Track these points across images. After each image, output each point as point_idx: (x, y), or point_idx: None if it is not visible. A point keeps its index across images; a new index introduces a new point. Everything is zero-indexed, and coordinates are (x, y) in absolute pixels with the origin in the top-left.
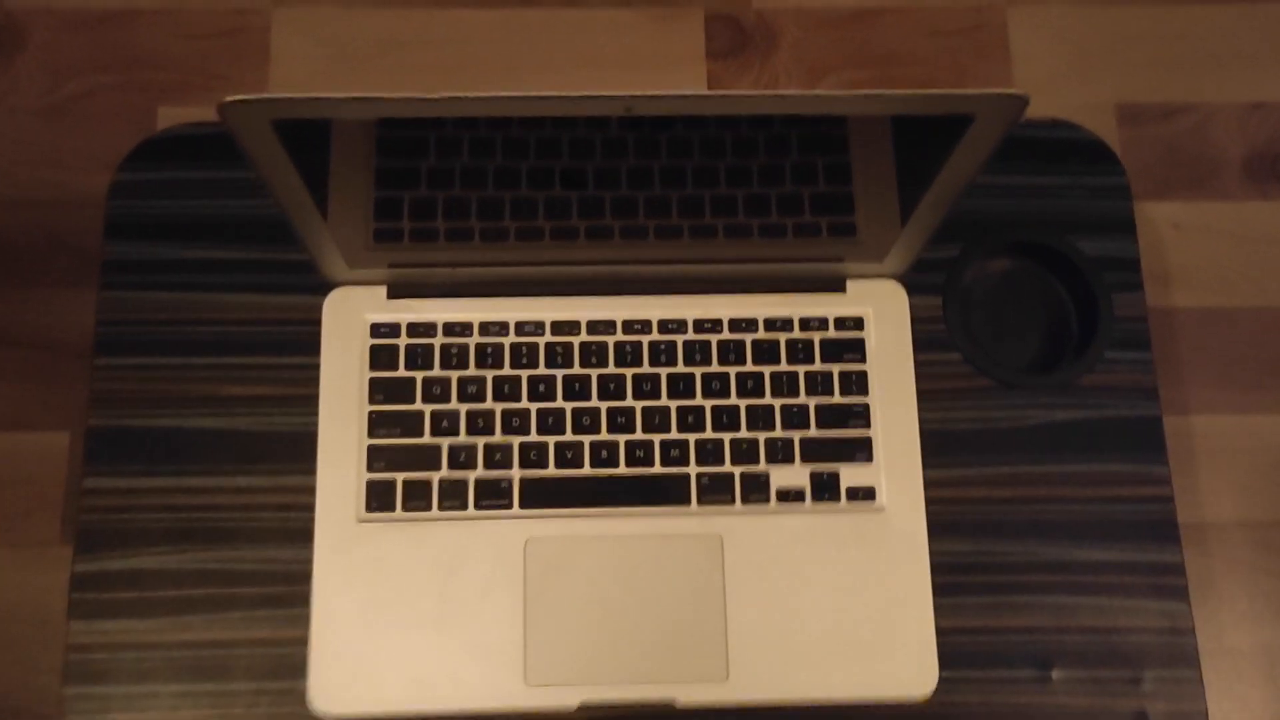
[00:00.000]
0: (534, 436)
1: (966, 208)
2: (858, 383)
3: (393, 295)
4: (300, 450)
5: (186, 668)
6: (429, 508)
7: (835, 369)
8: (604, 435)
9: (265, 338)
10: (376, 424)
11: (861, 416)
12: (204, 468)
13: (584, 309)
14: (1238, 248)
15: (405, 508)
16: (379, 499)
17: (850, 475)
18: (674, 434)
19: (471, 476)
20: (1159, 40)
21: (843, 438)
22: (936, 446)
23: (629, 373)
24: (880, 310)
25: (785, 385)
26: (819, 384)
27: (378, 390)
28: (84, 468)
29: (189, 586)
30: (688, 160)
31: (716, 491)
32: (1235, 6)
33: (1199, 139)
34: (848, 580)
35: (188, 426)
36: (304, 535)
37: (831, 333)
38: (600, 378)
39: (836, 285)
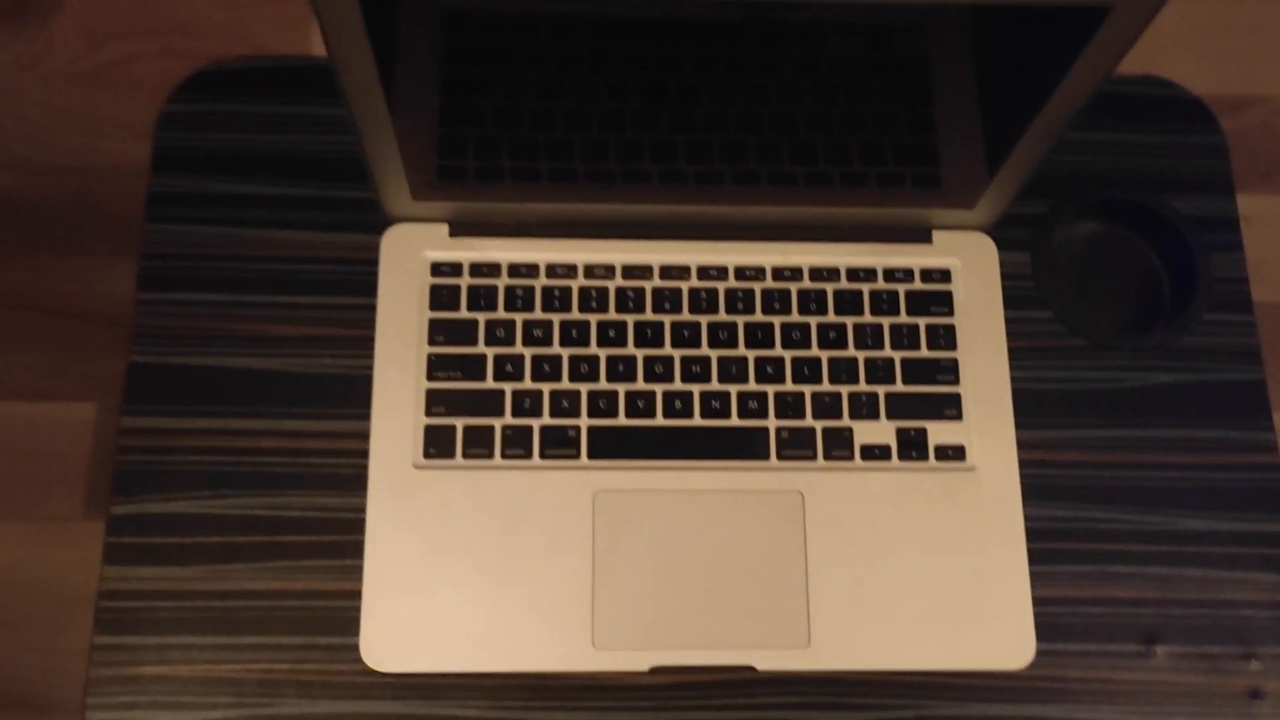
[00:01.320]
0: (603, 384)
1: (1053, 163)
2: (945, 337)
3: (455, 234)
4: (353, 394)
5: (229, 619)
6: (491, 455)
7: (922, 322)
8: (678, 385)
9: (318, 276)
10: (436, 366)
11: (950, 372)
12: (250, 410)
13: (657, 253)
14: None
15: (466, 455)
16: (438, 445)
17: (938, 433)
18: (752, 385)
19: (536, 424)
20: (1228, 32)
21: (930, 393)
22: (1028, 407)
23: (704, 320)
24: (969, 262)
25: (869, 337)
26: (905, 337)
27: (438, 331)
28: (123, 406)
29: (233, 533)
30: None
31: (797, 446)
32: None
33: (1269, 133)
34: (937, 543)
35: (234, 366)
36: (356, 482)
37: (918, 284)
38: (674, 324)
39: (923, 236)
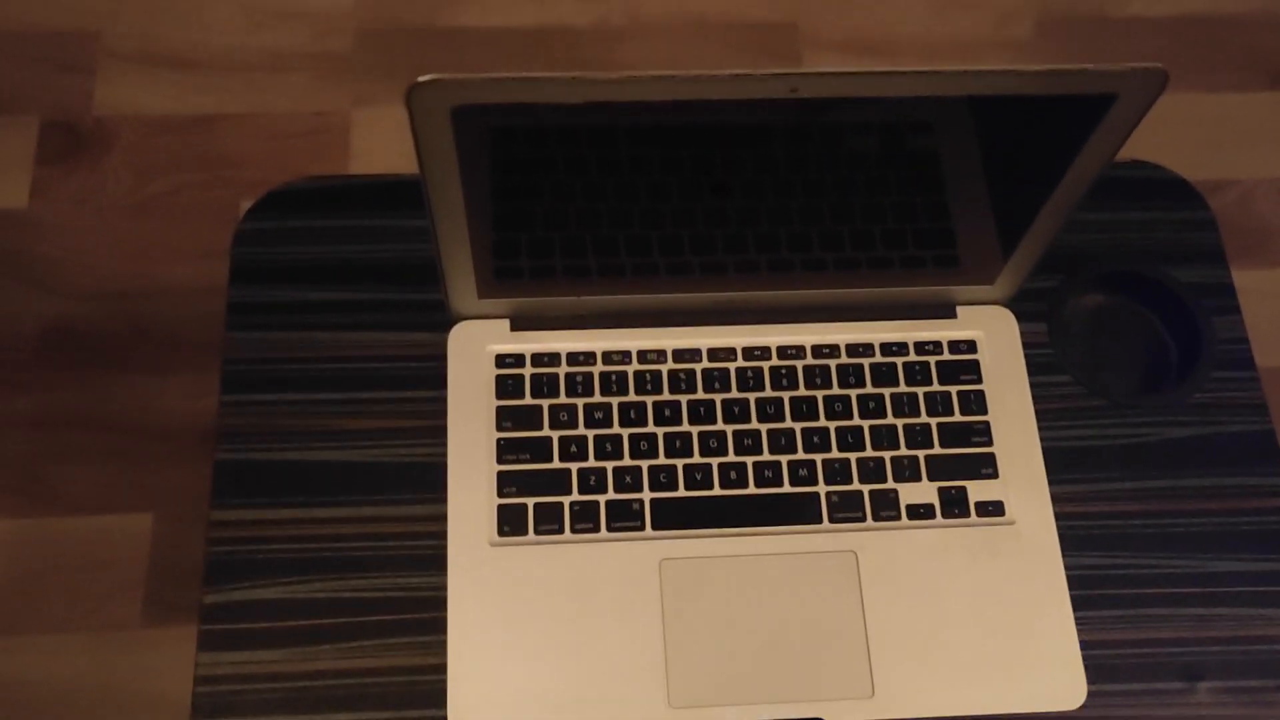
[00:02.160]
0: (662, 459)
1: (1061, 240)
2: (976, 402)
3: (516, 328)
4: (427, 480)
5: (321, 698)
6: (561, 530)
7: (953, 389)
8: (731, 457)
9: (388, 372)
10: (505, 450)
11: (983, 434)
12: (331, 499)
13: (704, 337)
14: None
15: (537, 531)
16: (511, 523)
17: (977, 491)
18: (800, 454)
19: (602, 499)
20: (1199, 123)
21: (967, 454)
22: (1057, 464)
23: (751, 397)
24: (991, 334)
25: (906, 406)
26: (939, 404)
27: (505, 418)
28: (210, 501)
29: (319, 616)
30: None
31: (847, 509)
32: (1264, 94)
33: (1245, 212)
34: (985, 592)
35: (312, 459)
36: (435, 561)
37: (946, 355)
38: (724, 402)
39: (948, 312)
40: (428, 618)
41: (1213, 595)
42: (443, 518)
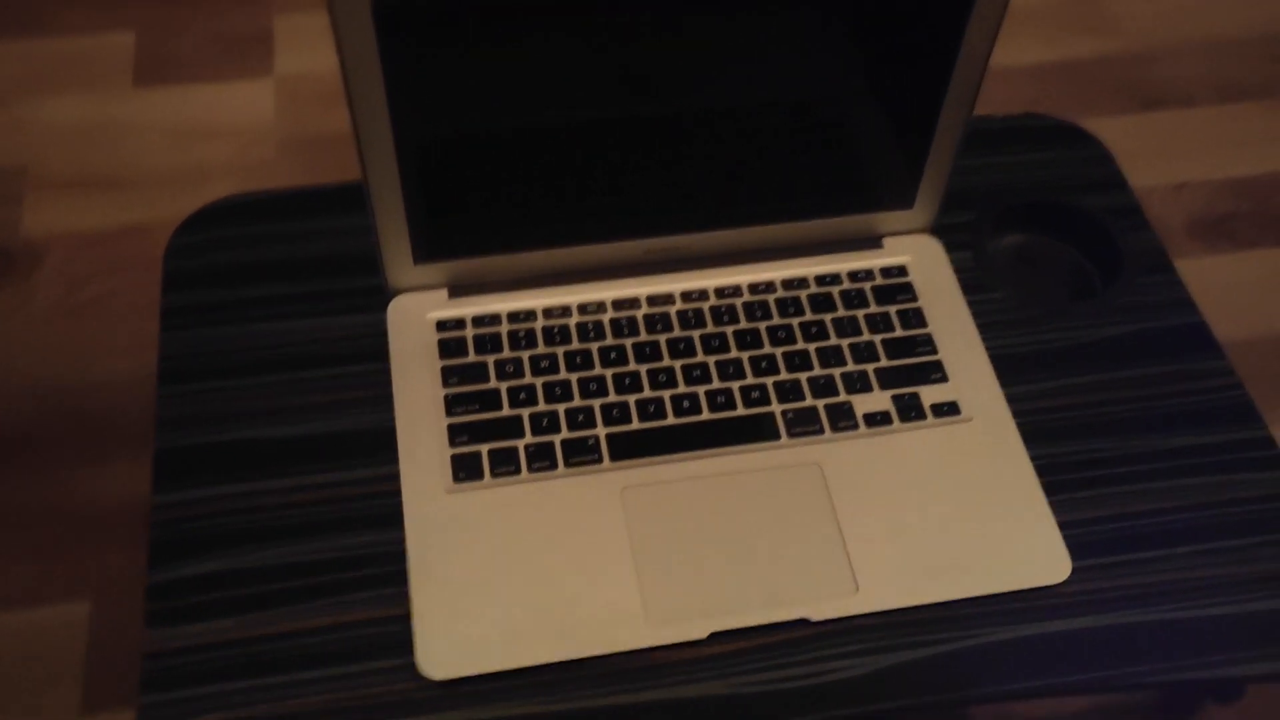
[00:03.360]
0: (613, 397)
1: (971, 184)
2: (915, 317)
3: (454, 295)
4: (377, 445)
5: (284, 658)
6: (519, 471)
7: (891, 309)
8: (682, 389)
9: (330, 350)
10: (453, 404)
11: (927, 344)
12: (279, 471)
13: (642, 286)
14: (1202, 296)
15: (494, 474)
16: (466, 469)
17: (930, 395)
18: (750, 379)
19: (557, 439)
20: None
21: (914, 364)
22: (1003, 371)
23: (695, 334)
24: (920, 258)
25: (847, 327)
26: (879, 323)
27: (450, 375)
28: (152, 488)
29: (273, 581)
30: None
31: (804, 424)
32: (1139, 115)
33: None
34: (955, 486)
35: (256, 437)
36: (391, 518)
37: (879, 280)
38: (668, 341)
39: (874, 243)
40: (388, 571)
41: (1178, 468)
42: (395, 477)
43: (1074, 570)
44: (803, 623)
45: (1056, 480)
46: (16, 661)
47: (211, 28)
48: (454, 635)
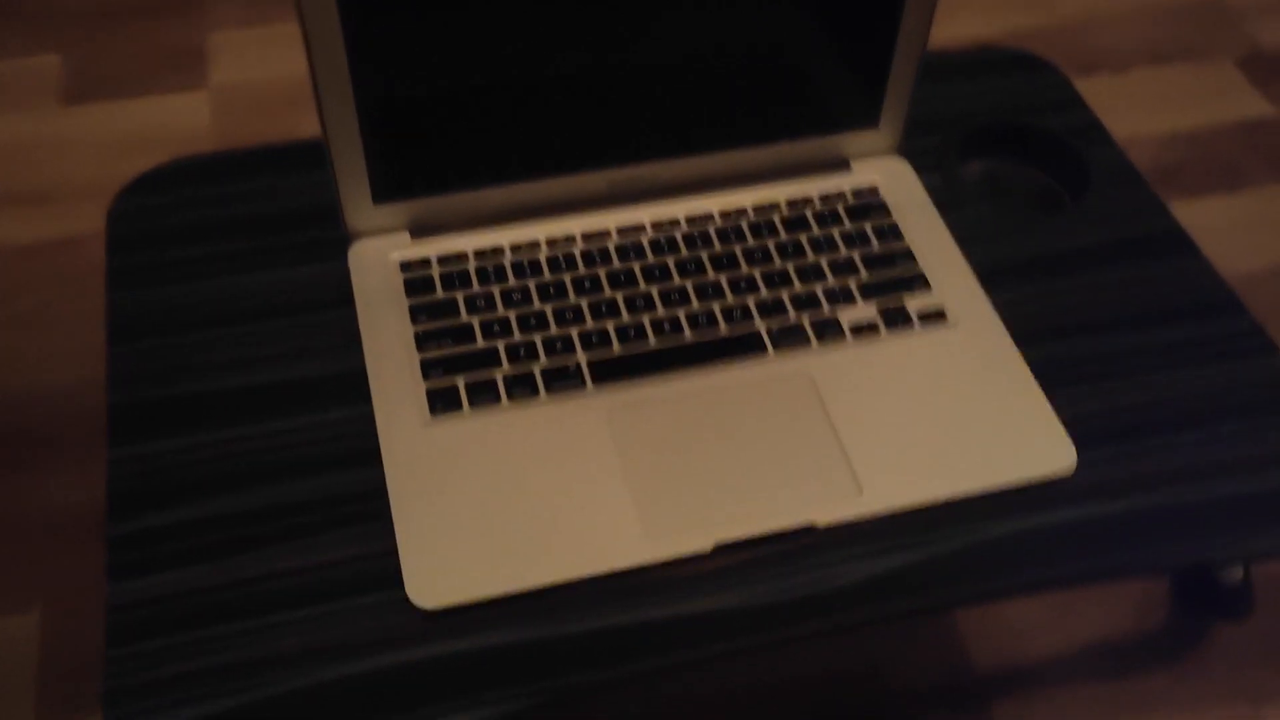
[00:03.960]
0: (590, 324)
1: (927, 113)
2: (891, 232)
3: (416, 236)
4: (347, 388)
5: (261, 601)
6: (498, 400)
7: (866, 225)
8: (661, 312)
9: (291, 299)
10: (424, 340)
11: (906, 257)
12: (246, 418)
13: (610, 218)
14: None
15: (473, 405)
16: (443, 401)
17: (915, 303)
18: (730, 300)
19: (536, 367)
20: None
21: (895, 276)
22: (983, 280)
23: (669, 259)
24: (889, 177)
25: (824, 245)
26: (855, 240)
27: (419, 313)
28: (108, 443)
29: (251, 525)
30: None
31: (789, 338)
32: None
33: None
34: (951, 387)
35: (217, 388)
36: (368, 456)
37: (851, 200)
38: (643, 268)
39: (842, 165)
40: (368, 508)
41: (1170, 361)
42: (368, 417)
43: (1079, 461)
44: (809, 529)
45: (1051, 379)
46: None
47: (141, 46)
48: (443, 564)
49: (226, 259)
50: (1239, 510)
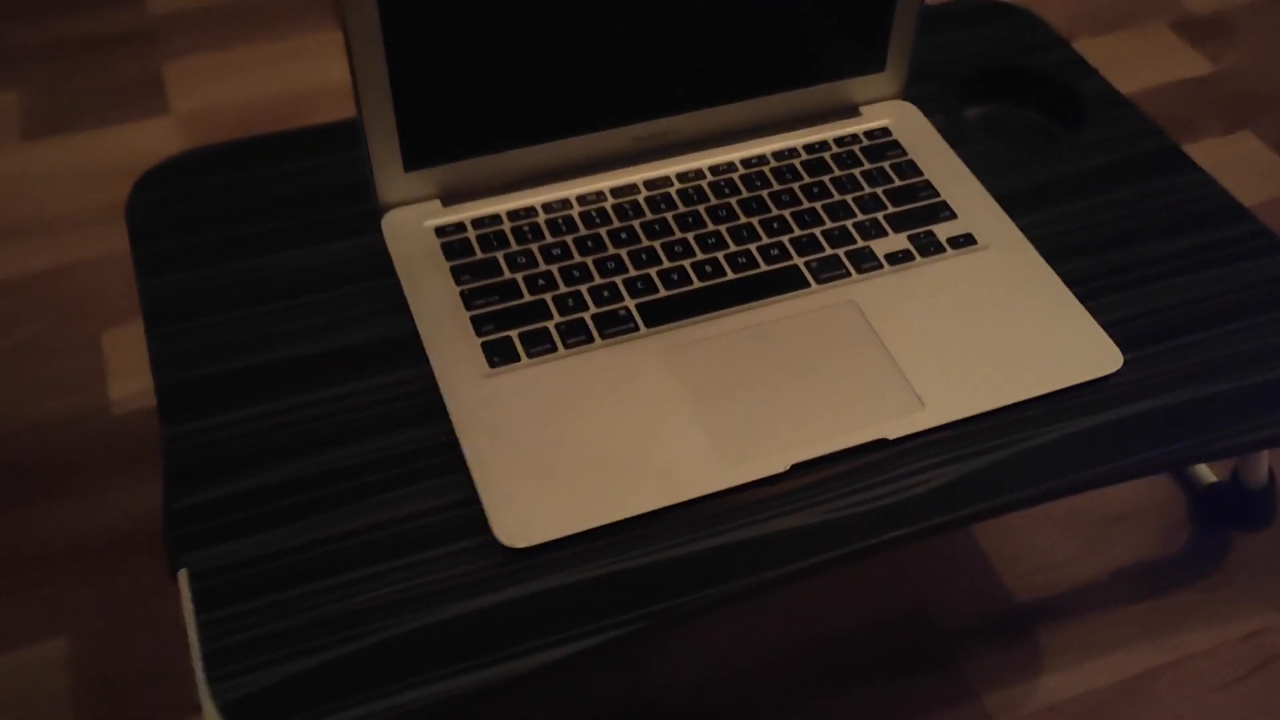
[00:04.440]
0: (634, 272)
1: (923, 62)
2: (909, 168)
3: (447, 204)
4: (398, 351)
5: (346, 558)
6: (555, 349)
7: (885, 164)
8: (700, 256)
9: (326, 274)
10: (471, 299)
11: (927, 189)
12: (295, 389)
13: (635, 174)
14: None
15: (530, 355)
16: (500, 354)
17: (944, 231)
18: (765, 240)
19: (586, 315)
20: None
21: (920, 207)
22: (1001, 204)
23: (700, 208)
24: (899, 118)
25: (847, 184)
26: (876, 177)
27: (462, 274)
28: (160, 422)
29: (320, 488)
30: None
31: (829, 270)
32: None
33: None
34: (993, 303)
35: (269, 360)
36: (430, 413)
37: (865, 142)
38: (675, 217)
39: (852, 112)
40: (439, 462)
41: (1194, 264)
42: (424, 377)
43: (1124, 361)
44: (879, 444)
45: (1083, 290)
46: (4, 708)
47: (97, 79)
48: (527, 504)
49: (254, 240)
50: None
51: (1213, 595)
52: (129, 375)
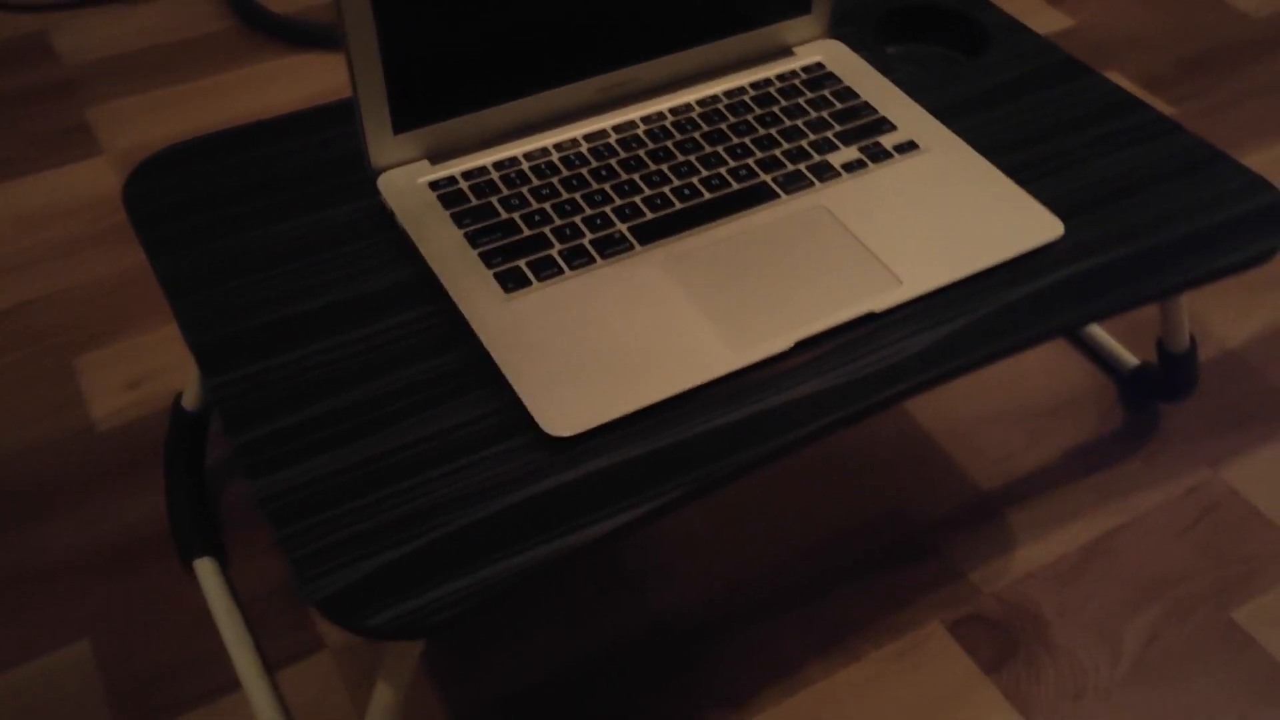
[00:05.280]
0: (619, 201)
1: (840, 8)
2: (847, 93)
3: (435, 162)
4: (414, 291)
5: (404, 466)
6: (562, 271)
7: (825, 91)
8: (676, 182)
9: (334, 235)
10: (476, 238)
11: (867, 109)
12: (323, 335)
13: (603, 121)
14: None
15: (540, 278)
16: (513, 280)
17: (888, 140)
18: (732, 164)
19: (585, 240)
20: None
21: (864, 123)
22: (934, 114)
23: (668, 143)
24: (829, 53)
25: (795, 112)
26: (819, 103)
27: (463, 219)
28: (200, 374)
29: (366, 413)
30: None
31: (794, 182)
32: None
33: None
34: (943, 194)
35: (292, 313)
36: (456, 339)
37: (803, 76)
38: (647, 153)
39: (786, 53)
40: (477, 377)
41: (1109, 148)
42: (444, 311)
43: (1065, 229)
44: (867, 319)
45: (1017, 178)
46: (41, 710)
47: (22, 130)
48: (565, 400)
49: (256, 215)
50: (1196, 242)
51: (1152, 461)
52: (107, 394)
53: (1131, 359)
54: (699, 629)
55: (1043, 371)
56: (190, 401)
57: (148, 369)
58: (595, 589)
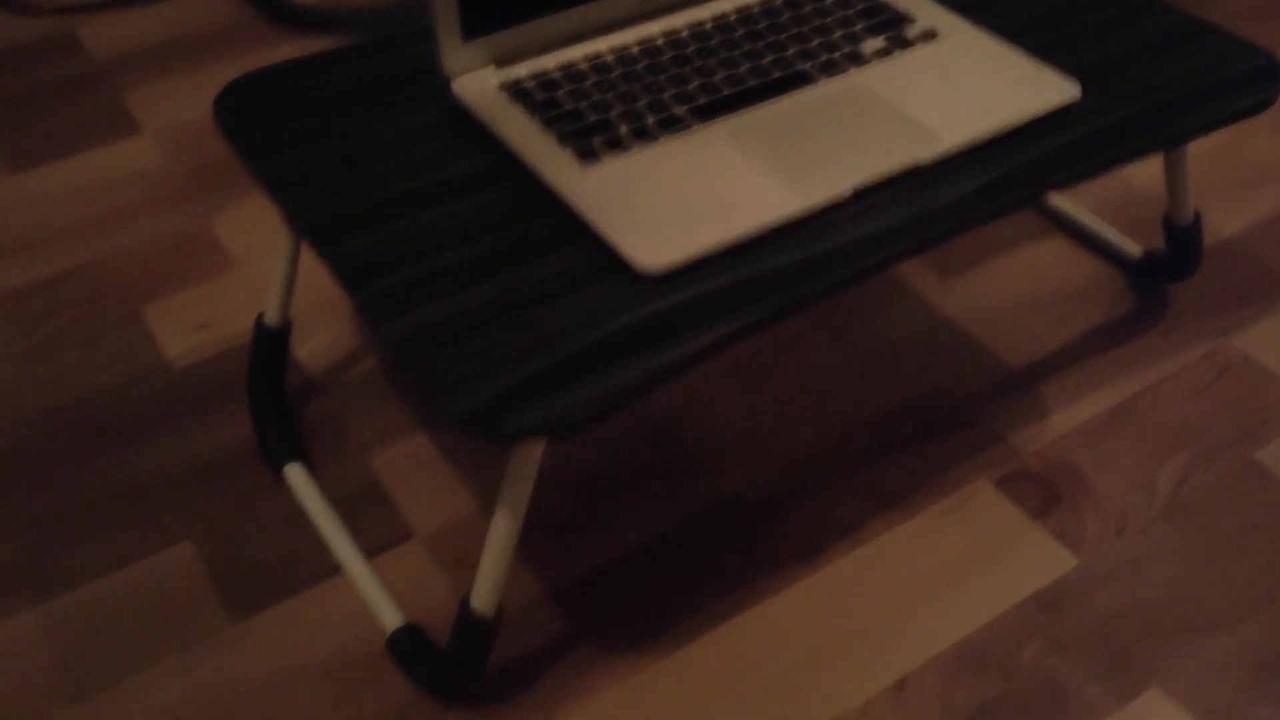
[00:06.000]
0: (673, 90)
1: None
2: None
3: (500, 67)
4: (494, 173)
5: (516, 302)
6: (629, 147)
7: None
8: (723, 74)
9: (413, 135)
10: (549, 125)
11: (888, 8)
12: (427, 208)
13: (652, 27)
14: None
15: (610, 151)
16: (585, 153)
17: (910, 31)
18: (772, 57)
19: (648, 121)
20: None
21: (886, 18)
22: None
23: (711, 43)
24: None
25: (823, 12)
26: (844, 3)
27: (535, 110)
28: (317, 250)
29: (477, 269)
30: None
31: (831, 68)
32: None
33: None
34: (969, 68)
35: (390, 196)
36: (542, 205)
37: None
38: (695, 51)
39: None
40: (568, 233)
41: (1114, 28)
42: (530, 186)
43: (1082, 91)
44: (914, 172)
45: (1035, 54)
46: (152, 605)
47: (65, 117)
48: (653, 241)
49: (342, 121)
50: (1202, 96)
51: (1167, 335)
52: (178, 336)
53: (1137, 248)
54: (764, 502)
55: (1055, 266)
56: (273, 319)
57: (214, 313)
58: (661, 474)
